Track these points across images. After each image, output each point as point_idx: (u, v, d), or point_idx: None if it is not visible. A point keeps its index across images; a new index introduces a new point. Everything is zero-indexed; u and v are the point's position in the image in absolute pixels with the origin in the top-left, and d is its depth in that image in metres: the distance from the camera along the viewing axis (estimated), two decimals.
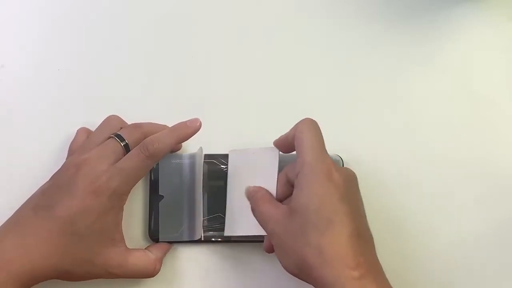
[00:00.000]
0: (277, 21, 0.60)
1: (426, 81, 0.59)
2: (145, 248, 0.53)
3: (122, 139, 0.51)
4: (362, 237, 0.45)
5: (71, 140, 0.55)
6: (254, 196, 0.51)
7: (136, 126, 0.54)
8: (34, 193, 0.51)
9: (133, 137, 0.52)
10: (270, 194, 0.51)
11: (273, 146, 0.52)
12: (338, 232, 0.44)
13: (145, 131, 0.53)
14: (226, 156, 0.55)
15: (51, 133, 0.56)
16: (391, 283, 0.46)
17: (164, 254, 0.54)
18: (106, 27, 0.60)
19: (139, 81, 0.59)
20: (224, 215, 0.54)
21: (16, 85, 0.58)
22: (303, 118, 0.50)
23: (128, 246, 0.52)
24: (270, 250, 0.50)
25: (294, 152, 0.49)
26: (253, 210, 0.50)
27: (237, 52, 0.60)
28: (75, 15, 0.60)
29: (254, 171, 0.52)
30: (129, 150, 0.51)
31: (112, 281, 0.52)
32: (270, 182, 0.51)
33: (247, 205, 0.51)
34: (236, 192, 0.53)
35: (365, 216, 0.48)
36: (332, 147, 0.56)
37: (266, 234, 0.49)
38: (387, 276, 0.46)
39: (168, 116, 0.54)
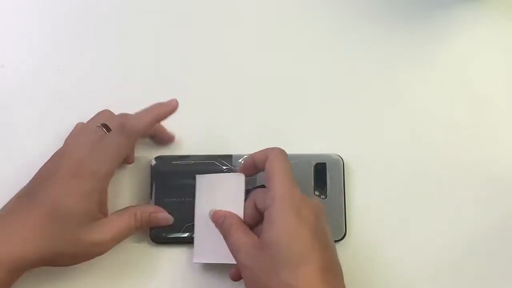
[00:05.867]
0: (277, 21, 0.60)
1: (426, 81, 0.59)
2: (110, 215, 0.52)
3: (108, 128, 0.51)
4: (333, 271, 0.45)
5: None
6: (225, 221, 0.50)
7: (123, 115, 0.54)
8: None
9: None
10: (241, 220, 0.50)
11: (239, 172, 0.52)
12: (309, 268, 0.44)
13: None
14: (226, 157, 0.55)
15: (51, 133, 0.56)
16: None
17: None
18: (105, 27, 0.60)
19: (139, 81, 0.59)
20: None
21: (16, 85, 0.58)
22: (272, 147, 0.50)
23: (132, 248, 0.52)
24: (237, 278, 0.50)
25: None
26: (224, 237, 0.50)
27: (236, 52, 0.60)
28: (75, 15, 0.60)
29: (221, 197, 0.52)
30: None
31: (110, 281, 0.52)
32: (237, 208, 0.51)
33: (215, 231, 0.51)
34: (204, 218, 0.53)
35: (335, 249, 0.48)
36: (332, 147, 0.57)
37: (235, 263, 0.48)
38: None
39: (168, 118, 0.54)
